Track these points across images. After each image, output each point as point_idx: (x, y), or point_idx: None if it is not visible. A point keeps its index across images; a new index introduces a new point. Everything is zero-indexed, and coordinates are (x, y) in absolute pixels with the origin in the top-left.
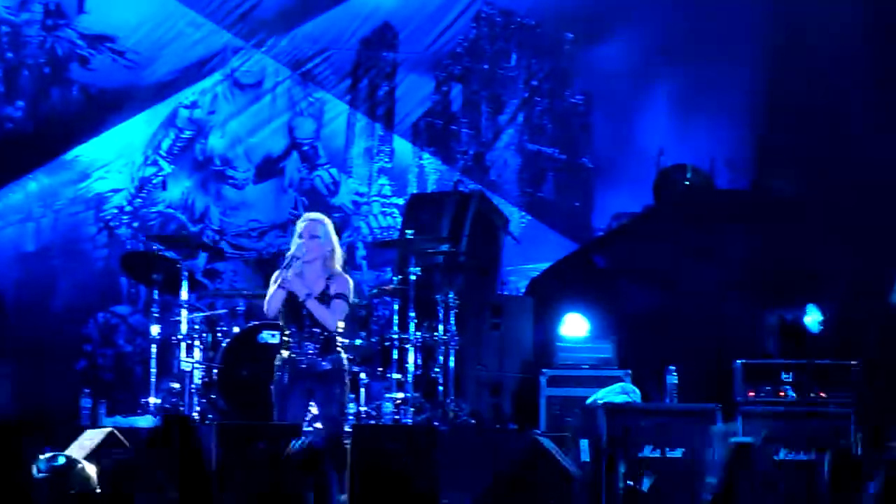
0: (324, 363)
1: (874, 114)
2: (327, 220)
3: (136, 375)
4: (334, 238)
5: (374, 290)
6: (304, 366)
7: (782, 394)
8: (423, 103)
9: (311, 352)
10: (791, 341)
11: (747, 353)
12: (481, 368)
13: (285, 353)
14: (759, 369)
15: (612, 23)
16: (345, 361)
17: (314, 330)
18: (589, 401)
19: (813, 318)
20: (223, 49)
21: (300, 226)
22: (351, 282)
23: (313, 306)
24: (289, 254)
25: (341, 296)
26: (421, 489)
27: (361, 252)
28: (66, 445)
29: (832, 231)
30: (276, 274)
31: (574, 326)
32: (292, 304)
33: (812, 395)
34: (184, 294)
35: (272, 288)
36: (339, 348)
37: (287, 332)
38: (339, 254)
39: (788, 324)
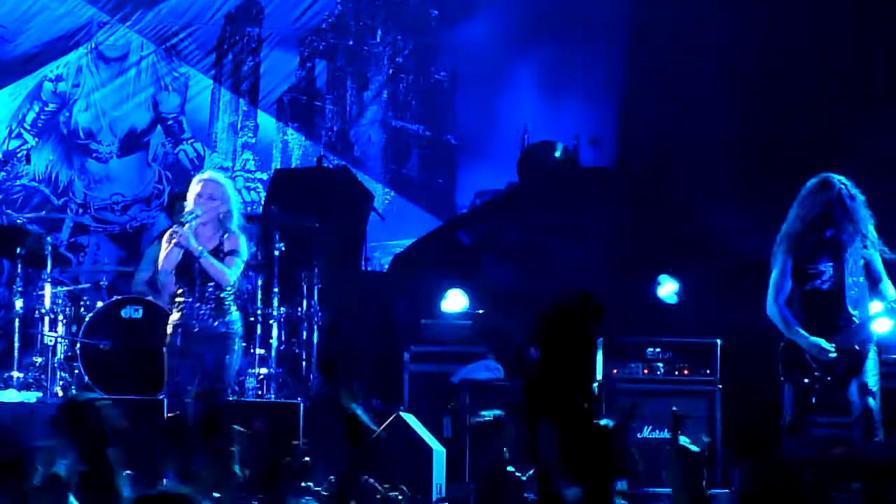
0: (217, 325)
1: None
2: (225, 181)
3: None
4: (232, 198)
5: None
6: (196, 329)
7: (646, 371)
8: (288, 79)
9: (203, 313)
10: (650, 316)
11: (611, 331)
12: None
13: (177, 316)
14: (622, 346)
15: (477, 0)
16: (238, 325)
17: (208, 288)
18: (454, 378)
19: (667, 288)
20: (89, 22)
21: (197, 186)
22: (244, 239)
23: (207, 263)
24: (186, 212)
25: (235, 252)
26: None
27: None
28: None
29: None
30: (168, 232)
31: (454, 302)
32: (186, 263)
33: (676, 372)
34: (47, 268)
35: (165, 247)
36: (234, 310)
37: (180, 293)
38: (236, 215)
39: (645, 297)
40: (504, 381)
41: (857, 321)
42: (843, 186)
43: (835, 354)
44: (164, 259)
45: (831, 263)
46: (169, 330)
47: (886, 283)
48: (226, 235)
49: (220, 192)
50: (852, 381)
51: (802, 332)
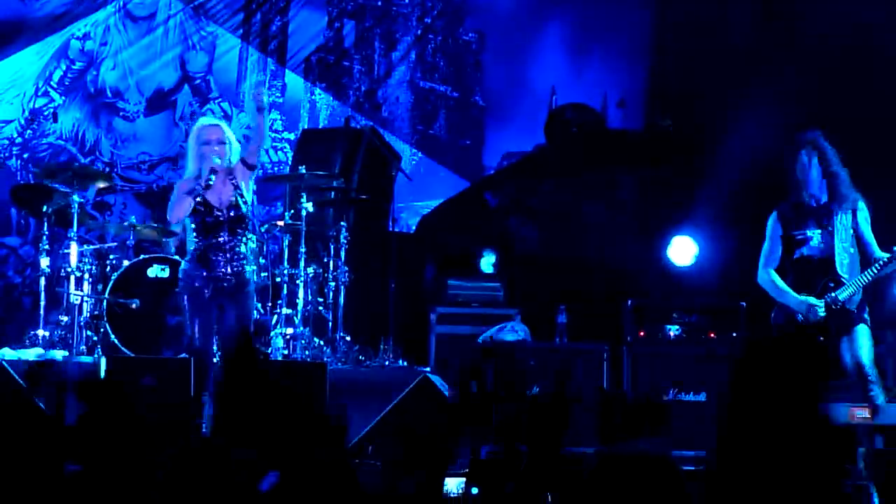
0: (242, 277)
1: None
2: (223, 122)
3: (24, 307)
4: (234, 139)
5: (265, 226)
6: (224, 283)
7: (672, 334)
8: (316, 39)
9: (223, 264)
10: (674, 279)
11: (639, 293)
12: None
13: (202, 266)
14: (649, 309)
15: None
16: (254, 277)
17: (236, 240)
18: (480, 339)
19: (684, 251)
20: None
21: (203, 132)
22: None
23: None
24: (203, 165)
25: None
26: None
27: (252, 186)
28: None
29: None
30: (182, 183)
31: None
32: (205, 211)
33: (703, 336)
34: (73, 226)
35: (181, 197)
36: (252, 260)
37: (198, 243)
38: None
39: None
40: (531, 343)
41: (846, 282)
42: (816, 151)
43: (824, 312)
44: (178, 208)
45: (819, 230)
46: (190, 276)
47: (878, 251)
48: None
49: (227, 136)
50: (843, 339)
51: (791, 292)
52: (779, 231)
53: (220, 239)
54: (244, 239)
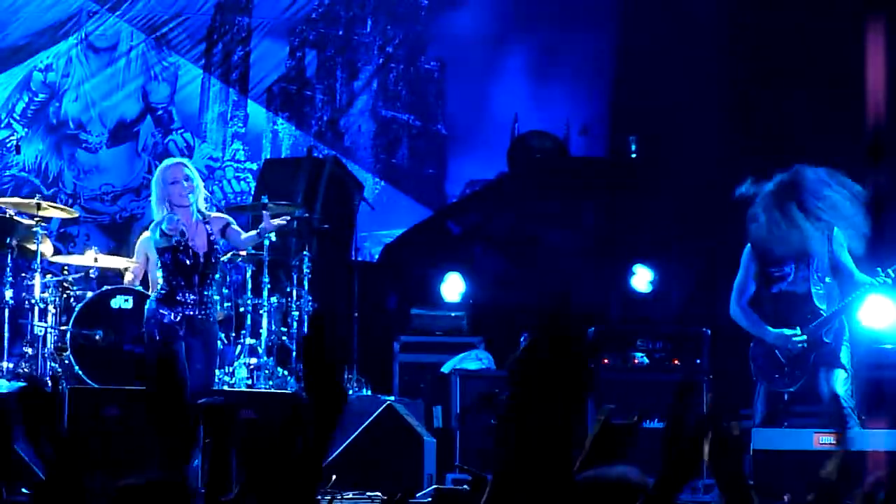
0: (205, 316)
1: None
2: (186, 161)
3: None
4: (198, 178)
5: (228, 256)
6: (200, 318)
7: (635, 361)
8: (278, 68)
9: (193, 304)
10: (637, 306)
11: (601, 320)
12: None
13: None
14: (612, 336)
15: None
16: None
17: (201, 279)
18: (444, 368)
19: (642, 278)
20: (78, 12)
21: (167, 172)
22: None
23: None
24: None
25: (229, 222)
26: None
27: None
28: None
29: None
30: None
31: (453, 287)
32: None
33: (666, 363)
34: (37, 257)
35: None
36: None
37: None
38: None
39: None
40: (494, 371)
41: (824, 314)
42: (776, 210)
43: (801, 342)
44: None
45: (794, 265)
46: (153, 319)
47: (859, 274)
48: (209, 221)
49: (191, 171)
50: (820, 370)
51: (767, 327)
52: (753, 268)
53: (193, 279)
54: (213, 278)
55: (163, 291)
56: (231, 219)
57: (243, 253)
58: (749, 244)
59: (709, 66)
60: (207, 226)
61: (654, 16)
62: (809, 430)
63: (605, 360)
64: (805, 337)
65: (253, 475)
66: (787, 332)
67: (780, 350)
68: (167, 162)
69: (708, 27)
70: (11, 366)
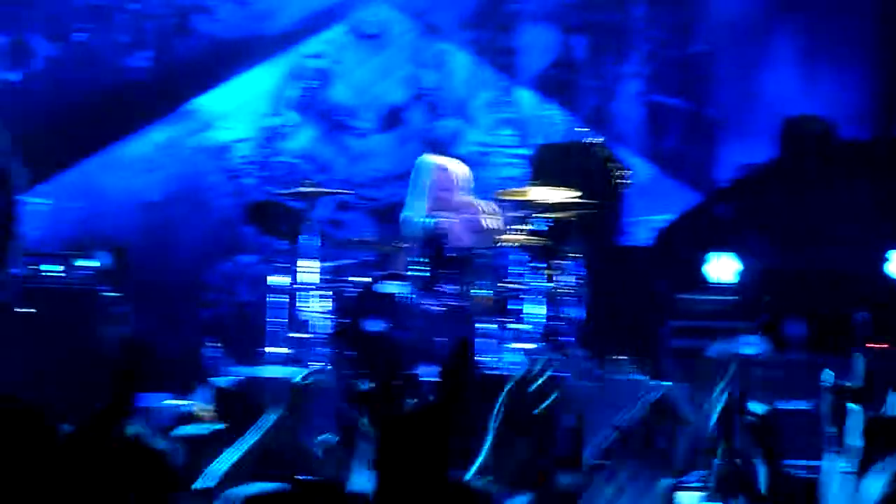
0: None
1: None
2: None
3: (259, 325)
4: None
5: (499, 241)
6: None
7: None
8: (548, 53)
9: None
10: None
11: (872, 305)
12: None
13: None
14: (883, 321)
15: None
16: None
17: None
18: (714, 352)
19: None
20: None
21: (433, 175)
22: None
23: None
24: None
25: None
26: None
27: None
28: (190, 395)
29: None
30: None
31: (722, 268)
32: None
33: None
34: (309, 244)
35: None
36: None
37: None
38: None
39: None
40: (767, 355)
41: None
42: None
43: None
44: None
45: None
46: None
47: None
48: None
49: (458, 172)
50: None
51: None
52: None
53: (456, 271)
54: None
55: (425, 281)
56: (499, 218)
57: (514, 238)
58: None
59: None
60: (470, 220)
61: None
62: None
63: (873, 345)
64: None
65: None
66: None
67: None
68: (430, 162)
69: None
70: (289, 351)
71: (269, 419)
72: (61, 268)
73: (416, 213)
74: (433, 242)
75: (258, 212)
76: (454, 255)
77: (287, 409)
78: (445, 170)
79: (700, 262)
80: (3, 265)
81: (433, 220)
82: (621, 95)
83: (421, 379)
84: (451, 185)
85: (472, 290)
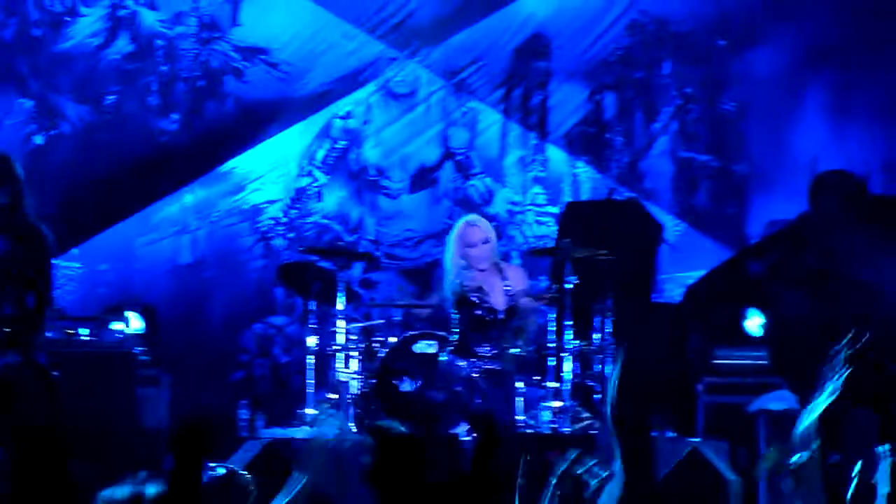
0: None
1: None
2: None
3: (292, 386)
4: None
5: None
6: (497, 369)
7: None
8: (577, 112)
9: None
10: None
11: None
12: None
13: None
14: None
15: (765, 28)
16: None
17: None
18: (750, 408)
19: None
20: (377, 59)
21: (466, 233)
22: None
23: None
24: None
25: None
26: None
27: (517, 261)
28: (225, 457)
29: None
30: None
31: (754, 325)
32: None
33: None
34: (340, 304)
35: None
36: None
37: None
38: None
39: None
40: (798, 410)
41: None
42: None
43: None
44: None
45: None
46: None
47: None
48: (505, 268)
49: (489, 232)
50: None
51: None
52: None
53: (491, 334)
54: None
55: (457, 342)
56: (526, 283)
57: (545, 297)
58: None
59: None
60: (505, 281)
61: None
62: None
63: None
64: None
65: None
66: None
67: None
68: (464, 220)
69: None
70: (317, 412)
71: (298, 482)
72: (88, 331)
73: (448, 271)
74: (464, 301)
75: (288, 273)
76: (486, 314)
77: (313, 470)
78: (467, 226)
79: (731, 318)
80: (39, 329)
81: (462, 279)
82: (651, 152)
83: (460, 439)
84: (476, 241)
85: (505, 350)
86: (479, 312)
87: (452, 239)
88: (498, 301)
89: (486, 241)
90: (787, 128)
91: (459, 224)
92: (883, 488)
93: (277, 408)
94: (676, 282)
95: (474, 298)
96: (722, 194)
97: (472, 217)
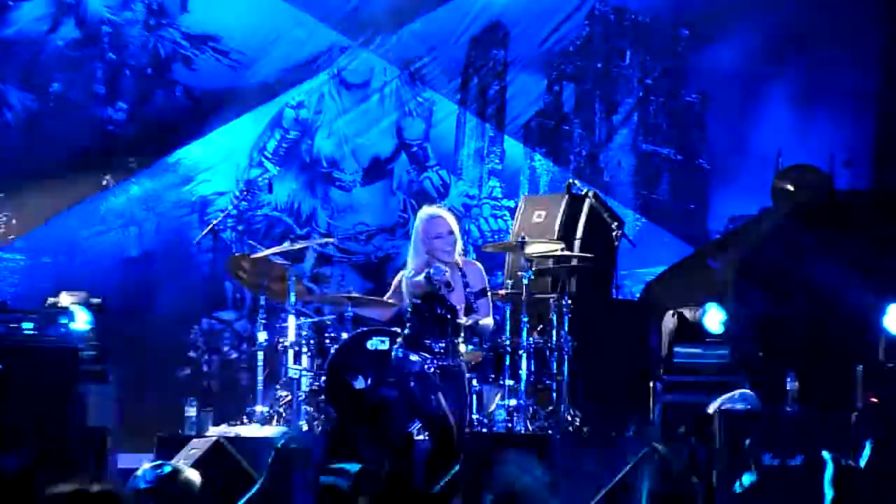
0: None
1: None
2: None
3: (242, 383)
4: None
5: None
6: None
7: None
8: (535, 103)
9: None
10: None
11: (867, 357)
12: None
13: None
14: (881, 373)
15: (728, 20)
16: None
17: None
18: (710, 408)
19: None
20: (330, 48)
21: (431, 225)
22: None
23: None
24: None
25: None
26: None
27: (472, 255)
28: (171, 454)
29: None
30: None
31: (713, 319)
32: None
33: None
34: (291, 299)
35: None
36: None
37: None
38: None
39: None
40: (759, 410)
41: None
42: None
43: None
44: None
45: None
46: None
47: None
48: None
49: (453, 225)
50: None
51: None
52: None
53: (447, 329)
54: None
55: (411, 335)
56: (484, 280)
57: (501, 293)
58: None
59: None
60: (465, 279)
61: None
62: None
63: (873, 399)
64: None
65: None
66: None
67: None
68: (429, 212)
69: None
70: (267, 409)
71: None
72: (32, 325)
73: (410, 266)
74: (430, 296)
75: (237, 266)
76: (442, 311)
77: (268, 473)
78: (433, 218)
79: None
80: None
81: (425, 274)
82: (611, 145)
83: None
84: (443, 232)
85: (460, 346)
86: (439, 308)
87: (417, 230)
88: (458, 299)
89: (451, 233)
90: (749, 121)
91: (423, 215)
92: (828, 493)
93: (226, 405)
94: (636, 277)
95: (444, 293)
96: (683, 188)
97: (437, 208)
